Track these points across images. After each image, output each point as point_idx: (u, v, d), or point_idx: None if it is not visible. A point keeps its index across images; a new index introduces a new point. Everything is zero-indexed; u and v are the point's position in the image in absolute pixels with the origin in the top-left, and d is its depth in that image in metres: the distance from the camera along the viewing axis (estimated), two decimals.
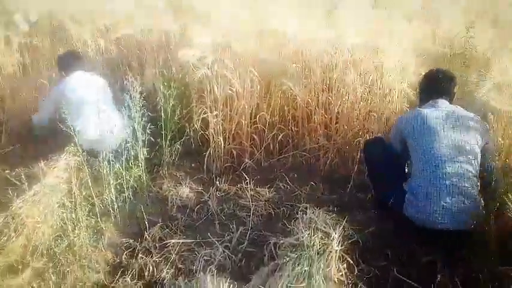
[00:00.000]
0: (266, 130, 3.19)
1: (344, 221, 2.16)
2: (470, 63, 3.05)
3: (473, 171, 2.21)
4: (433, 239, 2.22)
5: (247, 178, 2.90)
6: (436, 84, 2.49)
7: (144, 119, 2.55)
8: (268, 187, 2.92)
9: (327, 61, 3.14)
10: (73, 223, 2.20)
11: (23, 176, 2.26)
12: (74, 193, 2.26)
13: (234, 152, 3.19)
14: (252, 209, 2.64)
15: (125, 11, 3.86)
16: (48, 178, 2.51)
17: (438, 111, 2.35)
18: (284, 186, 2.95)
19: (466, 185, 2.18)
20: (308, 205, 2.59)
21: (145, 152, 2.60)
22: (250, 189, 2.82)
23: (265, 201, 2.77)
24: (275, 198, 2.81)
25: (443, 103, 2.41)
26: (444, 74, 2.52)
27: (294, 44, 3.14)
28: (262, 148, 3.21)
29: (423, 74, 2.67)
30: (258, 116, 3.16)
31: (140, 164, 2.63)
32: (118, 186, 2.51)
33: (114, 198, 2.46)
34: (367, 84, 3.07)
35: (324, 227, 2.07)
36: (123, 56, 3.78)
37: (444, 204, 2.16)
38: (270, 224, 2.55)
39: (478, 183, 2.23)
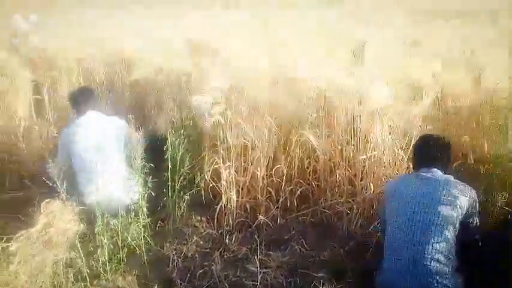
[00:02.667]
0: (283, 184, 2.91)
1: None
2: None
3: (448, 250, 2.01)
4: None
5: (257, 239, 2.60)
6: (427, 152, 2.25)
7: (145, 170, 2.34)
8: (282, 249, 2.62)
9: (352, 109, 2.85)
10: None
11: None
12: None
13: (248, 207, 2.91)
14: (259, 278, 2.32)
15: (142, 51, 3.75)
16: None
17: (420, 182, 2.15)
18: (300, 249, 2.63)
19: (440, 265, 1.98)
20: (324, 275, 2.31)
21: (145, 209, 2.37)
22: (260, 253, 2.51)
23: (277, 267, 2.45)
24: (289, 263, 2.48)
25: (434, 172, 2.16)
26: (436, 141, 2.27)
27: (316, 90, 2.87)
28: (279, 203, 2.92)
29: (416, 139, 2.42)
30: (274, 169, 2.88)
31: (140, 221, 2.39)
32: (112, 245, 2.28)
33: (106, 260, 2.23)
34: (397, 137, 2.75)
35: None
36: (136, 101, 3.65)
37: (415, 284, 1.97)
38: None
39: (454, 263, 2.02)
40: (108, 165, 2.72)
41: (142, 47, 3.89)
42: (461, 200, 2.05)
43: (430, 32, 4.86)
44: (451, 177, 2.15)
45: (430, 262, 1.96)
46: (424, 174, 2.16)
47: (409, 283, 1.98)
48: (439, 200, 2.04)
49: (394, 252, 2.07)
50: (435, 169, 2.17)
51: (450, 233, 2.02)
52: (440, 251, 1.98)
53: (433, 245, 1.99)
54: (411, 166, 2.40)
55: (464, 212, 2.06)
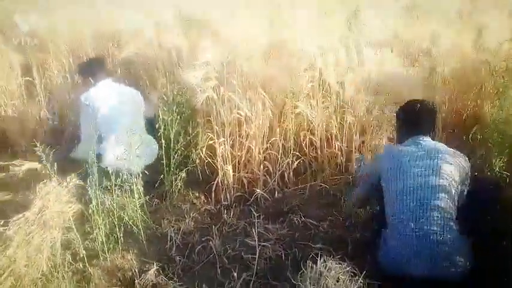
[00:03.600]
0: (280, 157, 2.88)
1: (362, 276, 1.81)
2: None
3: (449, 215, 1.97)
4: None
5: (255, 213, 2.59)
6: (415, 119, 2.17)
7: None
8: (280, 221, 2.61)
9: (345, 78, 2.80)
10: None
11: None
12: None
13: (245, 181, 2.89)
14: (258, 251, 2.32)
15: (133, 27, 3.65)
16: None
17: (418, 151, 2.06)
18: (298, 221, 2.62)
19: (441, 231, 1.93)
20: (322, 247, 2.30)
21: (141, 187, 2.35)
22: (258, 226, 2.50)
23: (276, 240, 2.44)
24: (287, 236, 2.48)
25: (424, 141, 2.11)
26: (424, 106, 2.18)
27: (310, 59, 2.80)
28: (276, 177, 2.89)
29: (401, 106, 2.30)
30: (270, 141, 2.85)
31: (135, 200, 2.37)
32: (108, 225, 2.26)
33: (103, 239, 2.22)
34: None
35: (335, 285, 1.74)
36: (128, 77, 3.58)
37: (418, 252, 1.92)
38: (278, 270, 2.23)
39: (455, 227, 1.97)
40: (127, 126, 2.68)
41: (132, 21, 3.79)
42: (457, 167, 2.02)
43: None
44: (444, 145, 2.10)
45: (437, 230, 1.92)
46: (421, 142, 2.10)
47: (418, 253, 1.92)
48: (439, 169, 1.99)
49: (399, 225, 2.00)
50: (427, 137, 2.11)
51: (452, 200, 1.98)
52: (445, 217, 1.94)
53: (438, 212, 1.94)
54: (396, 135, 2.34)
55: (460, 180, 2.03)
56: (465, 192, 2.11)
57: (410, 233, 1.94)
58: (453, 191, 1.99)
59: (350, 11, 3.30)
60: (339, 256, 2.03)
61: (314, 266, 1.91)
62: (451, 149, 2.09)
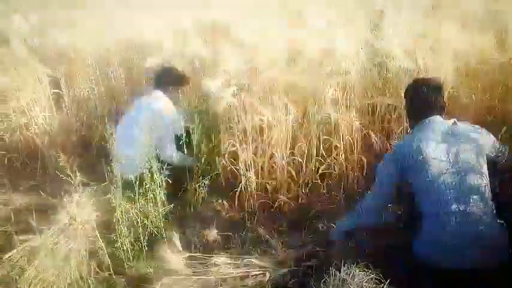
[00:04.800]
0: (304, 162, 2.84)
1: (386, 283, 1.76)
2: None
3: (485, 196, 1.89)
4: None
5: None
6: (425, 99, 2.07)
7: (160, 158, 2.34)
8: (304, 228, 2.57)
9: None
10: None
11: None
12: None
13: (269, 188, 2.87)
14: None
15: (155, 37, 3.70)
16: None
17: (434, 134, 1.99)
18: (322, 227, 2.58)
19: (480, 215, 1.85)
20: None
21: (162, 196, 2.37)
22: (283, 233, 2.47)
23: (299, 246, 2.40)
24: (310, 243, 2.43)
25: (436, 121, 2.03)
26: (431, 84, 2.10)
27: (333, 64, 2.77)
28: (300, 183, 2.86)
29: (406, 87, 2.22)
30: (293, 147, 2.82)
31: (158, 208, 2.39)
32: (133, 234, 2.29)
33: (128, 248, 2.24)
34: None
35: None
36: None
37: (457, 242, 1.83)
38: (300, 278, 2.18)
39: (493, 208, 1.90)
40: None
41: (154, 31, 3.85)
42: (480, 138, 1.99)
43: None
44: (462, 123, 2.04)
45: (475, 213, 1.85)
46: (436, 124, 2.01)
47: (458, 235, 1.85)
48: (464, 149, 1.93)
49: (438, 211, 1.90)
50: (439, 116, 2.04)
51: (485, 177, 1.92)
52: (481, 199, 1.87)
53: (473, 195, 1.87)
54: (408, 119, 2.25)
55: (489, 150, 2.01)
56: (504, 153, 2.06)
57: (451, 216, 1.86)
58: (483, 168, 1.93)
59: (372, 14, 3.27)
60: (363, 263, 1.97)
61: (337, 273, 1.87)
62: (468, 124, 2.04)
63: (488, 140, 2.04)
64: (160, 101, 2.98)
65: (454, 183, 1.89)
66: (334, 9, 3.42)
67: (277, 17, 3.16)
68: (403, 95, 2.29)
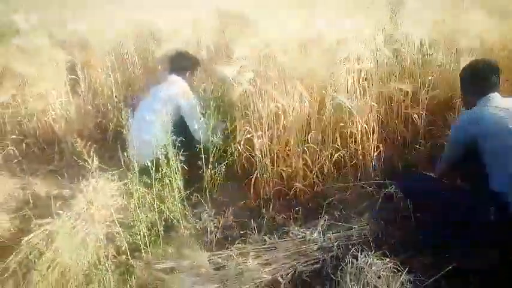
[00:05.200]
0: (319, 150, 2.82)
1: (405, 272, 1.75)
2: None
3: None
4: None
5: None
6: (487, 79, 2.23)
7: (176, 144, 2.34)
8: (320, 215, 2.55)
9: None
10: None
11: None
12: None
13: (284, 175, 2.86)
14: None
15: (172, 25, 3.69)
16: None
17: (501, 110, 2.14)
18: (339, 215, 2.56)
19: None
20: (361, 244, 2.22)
21: (180, 182, 2.37)
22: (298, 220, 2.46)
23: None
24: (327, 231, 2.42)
25: (498, 98, 2.19)
26: (492, 65, 2.28)
27: (348, 51, 2.72)
28: (315, 170, 2.84)
29: (464, 68, 2.37)
30: (310, 134, 2.80)
31: (175, 194, 2.40)
32: (149, 219, 2.31)
33: (145, 233, 2.26)
34: None
35: (376, 282, 1.69)
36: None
37: None
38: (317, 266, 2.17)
39: None
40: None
41: (171, 19, 3.84)
42: None
43: None
44: None
45: None
46: (501, 100, 2.17)
47: None
48: None
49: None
50: (497, 94, 2.19)
51: None
52: None
53: None
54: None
55: None
56: None
57: None
58: None
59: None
60: (380, 252, 1.96)
61: (354, 261, 1.87)
62: None
63: None
64: (177, 85, 3.02)
65: None
66: None
67: (293, 5, 3.10)
68: (459, 75, 2.40)
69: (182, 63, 3.13)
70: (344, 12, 2.97)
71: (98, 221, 2.22)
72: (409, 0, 3.34)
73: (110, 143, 3.69)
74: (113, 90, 3.98)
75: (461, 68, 2.41)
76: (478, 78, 2.27)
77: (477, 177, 2.17)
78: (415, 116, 2.95)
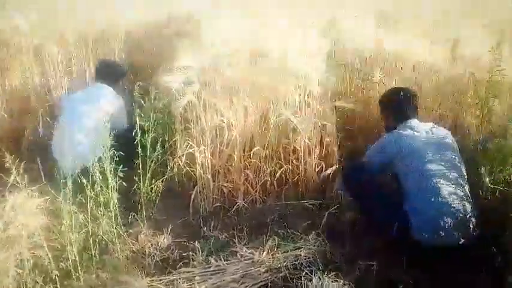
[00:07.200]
0: (262, 165, 2.76)
1: None
2: (500, 91, 2.63)
3: (465, 188, 2.19)
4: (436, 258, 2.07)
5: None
6: (406, 105, 2.43)
7: (115, 159, 2.14)
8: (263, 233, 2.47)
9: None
10: None
11: None
12: None
13: (225, 191, 2.75)
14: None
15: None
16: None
17: (418, 133, 2.31)
18: (282, 232, 2.50)
19: (461, 202, 2.12)
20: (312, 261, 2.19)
21: (115, 200, 2.17)
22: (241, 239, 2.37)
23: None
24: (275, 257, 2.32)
25: (417, 123, 2.36)
26: (409, 93, 2.48)
27: (294, 65, 2.70)
28: (258, 186, 2.77)
29: (385, 95, 2.60)
30: (253, 150, 2.72)
31: (111, 213, 2.19)
32: (81, 243, 2.07)
33: (76, 258, 2.02)
34: None
35: None
36: None
37: (445, 221, 2.07)
38: None
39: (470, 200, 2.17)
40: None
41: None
42: (454, 142, 2.33)
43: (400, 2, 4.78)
44: (435, 125, 2.37)
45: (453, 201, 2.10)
46: (415, 126, 2.32)
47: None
48: (444, 147, 2.26)
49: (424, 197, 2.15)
50: (416, 120, 2.36)
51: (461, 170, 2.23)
52: (458, 191, 2.14)
53: (451, 186, 2.13)
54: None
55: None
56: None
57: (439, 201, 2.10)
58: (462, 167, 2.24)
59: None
60: (333, 273, 1.93)
61: (309, 283, 1.82)
62: (440, 127, 2.39)
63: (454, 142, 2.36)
64: (103, 90, 3.03)
65: (440, 173, 2.16)
66: (300, 9, 3.38)
67: (240, 16, 3.04)
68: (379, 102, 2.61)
69: (107, 72, 3.18)
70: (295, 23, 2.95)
71: (18, 243, 1.94)
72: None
73: (26, 152, 3.31)
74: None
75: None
76: (398, 104, 2.44)
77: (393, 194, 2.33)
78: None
